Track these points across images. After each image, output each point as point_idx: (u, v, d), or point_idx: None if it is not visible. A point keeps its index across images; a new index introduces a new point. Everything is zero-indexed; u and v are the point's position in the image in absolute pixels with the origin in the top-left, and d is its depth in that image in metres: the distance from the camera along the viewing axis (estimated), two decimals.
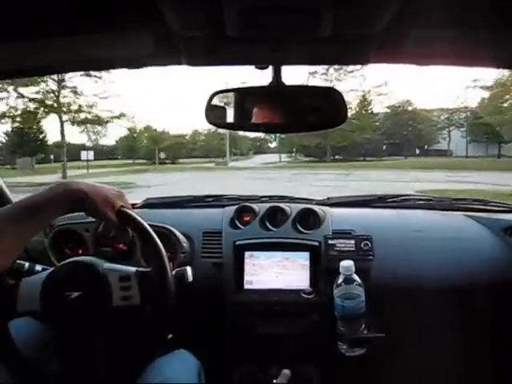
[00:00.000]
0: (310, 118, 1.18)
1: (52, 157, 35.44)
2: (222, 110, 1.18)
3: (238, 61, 1.13)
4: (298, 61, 1.13)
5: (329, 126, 1.20)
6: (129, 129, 34.17)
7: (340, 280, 1.54)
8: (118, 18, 0.93)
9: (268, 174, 21.46)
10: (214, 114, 1.17)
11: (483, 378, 1.79)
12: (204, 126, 42.08)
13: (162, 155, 37.74)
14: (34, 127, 30.86)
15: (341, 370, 1.74)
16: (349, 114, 1.14)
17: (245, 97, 1.18)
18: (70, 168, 24.89)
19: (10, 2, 0.84)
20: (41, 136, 32.95)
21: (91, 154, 28.07)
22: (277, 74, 1.09)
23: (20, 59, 1.13)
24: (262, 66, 1.12)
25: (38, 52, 1.09)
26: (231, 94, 1.16)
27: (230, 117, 1.18)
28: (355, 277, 1.53)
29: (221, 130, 31.15)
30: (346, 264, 1.54)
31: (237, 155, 43.47)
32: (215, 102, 1.16)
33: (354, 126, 30.68)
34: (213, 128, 33.17)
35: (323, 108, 1.15)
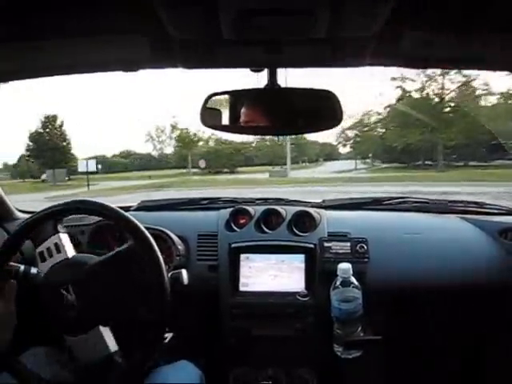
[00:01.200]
0: (306, 120, 1.18)
1: (100, 167, 32.24)
2: (218, 112, 1.18)
3: (234, 63, 1.13)
4: (293, 63, 1.13)
5: (324, 127, 1.20)
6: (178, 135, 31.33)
7: (337, 282, 1.54)
8: (114, 21, 0.93)
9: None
10: (209, 116, 1.18)
11: (480, 379, 1.79)
12: None
13: (202, 164, 31.31)
14: (56, 132, 28.51)
15: (336, 373, 1.74)
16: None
17: (240, 99, 1.18)
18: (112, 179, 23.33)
19: (6, 3, 0.84)
20: (63, 143, 29.54)
21: (92, 164, 23.31)
22: (272, 77, 1.10)
23: (15, 62, 1.12)
24: (257, 68, 1.12)
25: (33, 55, 1.09)
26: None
27: (226, 119, 1.18)
28: (353, 279, 1.53)
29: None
30: (344, 266, 1.53)
31: (304, 162, 37.98)
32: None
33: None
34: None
35: (319, 110, 1.16)
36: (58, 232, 1.32)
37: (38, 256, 1.34)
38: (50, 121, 28.12)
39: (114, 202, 1.41)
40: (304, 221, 1.86)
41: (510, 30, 0.93)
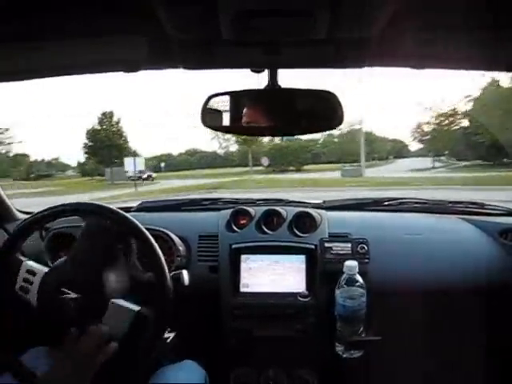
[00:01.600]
0: (306, 121, 1.18)
1: (163, 165, 31.80)
2: (218, 113, 1.18)
3: (234, 64, 1.13)
4: (293, 64, 1.13)
5: (325, 128, 1.20)
6: None
7: (343, 280, 1.53)
8: (113, 22, 0.93)
9: None
10: (210, 117, 1.18)
11: (481, 380, 1.79)
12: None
13: (265, 162, 28.58)
14: (113, 128, 27.70)
15: (337, 373, 1.74)
16: None
17: (241, 100, 1.18)
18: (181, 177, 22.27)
19: (6, 3, 0.84)
20: (120, 141, 28.37)
21: (141, 163, 21.15)
22: (272, 77, 1.10)
23: (12, 62, 1.13)
24: (257, 69, 1.12)
25: (33, 55, 1.09)
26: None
27: (227, 120, 1.18)
28: (358, 277, 1.52)
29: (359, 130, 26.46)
30: (350, 264, 1.52)
31: (374, 159, 35.35)
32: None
33: None
34: (351, 126, 28.51)
35: (319, 111, 1.16)
36: (21, 262, 1.32)
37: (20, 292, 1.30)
38: (106, 117, 27.40)
39: None
40: (305, 221, 1.86)
41: (510, 29, 0.93)
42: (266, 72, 1.11)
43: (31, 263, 1.31)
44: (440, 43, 1.00)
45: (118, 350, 1.15)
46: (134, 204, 2.11)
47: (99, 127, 27.89)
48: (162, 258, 1.24)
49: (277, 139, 32.12)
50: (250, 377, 1.75)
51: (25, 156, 36.93)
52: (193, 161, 38.07)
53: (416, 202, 2.06)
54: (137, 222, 1.26)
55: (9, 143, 27.48)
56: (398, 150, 42.02)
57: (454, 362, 1.80)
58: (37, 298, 1.25)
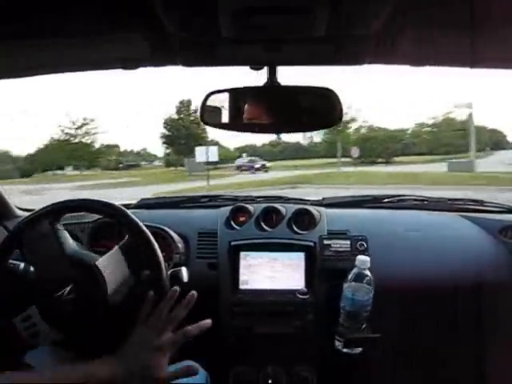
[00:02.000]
0: (305, 118, 1.18)
1: (244, 156, 28.95)
2: (217, 110, 1.18)
3: (233, 61, 1.14)
4: (293, 61, 1.13)
5: (324, 125, 1.20)
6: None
7: (353, 274, 1.53)
8: (114, 20, 0.93)
9: None
10: (209, 114, 1.18)
11: (481, 378, 1.79)
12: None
13: (355, 153, 26.08)
14: (191, 118, 26.27)
15: (336, 370, 1.74)
16: None
17: (240, 97, 1.18)
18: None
19: (7, 3, 0.84)
20: (198, 130, 26.44)
21: (214, 153, 16.88)
22: (272, 75, 1.10)
23: (14, 59, 1.13)
24: (257, 66, 1.12)
25: (34, 53, 1.09)
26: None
27: (226, 117, 1.18)
28: (368, 272, 1.52)
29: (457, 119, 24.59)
30: (363, 258, 1.52)
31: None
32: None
33: None
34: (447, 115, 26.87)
35: (318, 108, 1.16)
36: (57, 230, 1.32)
37: None
38: (184, 106, 26.39)
39: None
40: (304, 219, 1.86)
41: (511, 27, 0.93)
42: (265, 69, 1.11)
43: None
44: (440, 40, 1.00)
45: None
46: (134, 201, 2.10)
47: (176, 116, 27.04)
48: (160, 255, 1.24)
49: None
50: (249, 374, 1.74)
51: (114, 147, 37.15)
52: (276, 152, 36.46)
53: (415, 199, 2.06)
54: (136, 219, 1.26)
55: (94, 133, 27.72)
56: (496, 141, 37.18)
57: (453, 359, 1.80)
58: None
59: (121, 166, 36.47)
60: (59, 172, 31.24)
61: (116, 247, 1.26)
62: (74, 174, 30.39)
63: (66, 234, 1.32)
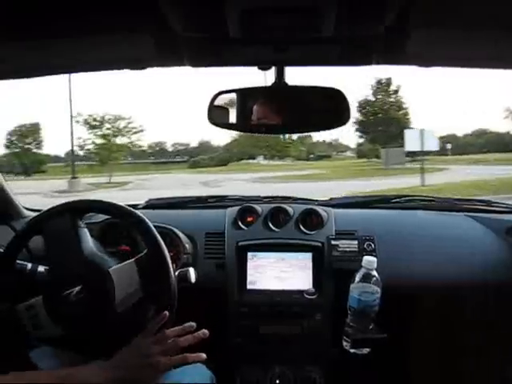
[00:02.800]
0: (313, 119, 1.18)
1: (449, 147, 26.21)
2: (225, 110, 1.18)
3: (241, 62, 1.13)
4: (300, 61, 1.13)
5: (332, 126, 1.20)
6: None
7: (359, 276, 1.53)
8: (120, 20, 0.93)
9: None
10: (216, 114, 1.18)
11: (487, 378, 1.78)
12: None
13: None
14: (391, 99, 23.39)
15: (344, 371, 1.74)
16: None
17: (248, 97, 1.18)
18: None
19: (13, 2, 0.84)
20: (398, 114, 23.09)
21: (430, 138, 12.88)
22: (279, 75, 1.10)
23: (21, 60, 1.13)
24: (264, 66, 1.12)
25: (39, 53, 1.09)
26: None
27: (233, 117, 1.19)
28: (375, 273, 1.52)
29: None
30: (370, 259, 1.52)
31: None
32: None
33: None
34: None
35: (326, 108, 1.16)
36: (78, 227, 1.31)
37: None
38: (382, 85, 22.99)
39: None
40: (311, 219, 1.86)
41: None
42: (273, 69, 1.11)
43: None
44: (449, 40, 1.00)
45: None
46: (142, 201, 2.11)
47: (373, 98, 23.77)
48: (168, 257, 1.24)
49: None
50: (257, 374, 1.74)
51: (306, 137, 36.46)
52: (481, 143, 32.58)
53: (422, 200, 2.05)
54: (145, 220, 1.27)
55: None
56: None
57: (460, 359, 1.79)
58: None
59: (311, 156, 36.97)
60: (251, 161, 32.01)
61: (132, 260, 1.26)
62: (264, 163, 31.15)
63: (87, 233, 1.32)
